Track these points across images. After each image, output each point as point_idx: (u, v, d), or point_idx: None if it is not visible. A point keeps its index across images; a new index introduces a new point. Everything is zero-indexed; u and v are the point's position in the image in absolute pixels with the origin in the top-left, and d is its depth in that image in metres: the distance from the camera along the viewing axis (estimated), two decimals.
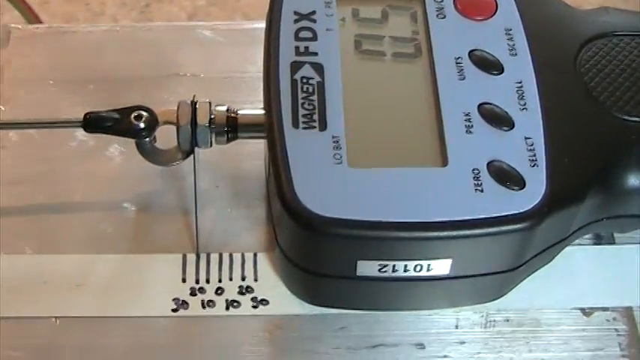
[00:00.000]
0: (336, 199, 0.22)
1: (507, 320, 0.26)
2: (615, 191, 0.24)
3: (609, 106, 0.24)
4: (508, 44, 0.25)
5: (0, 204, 0.27)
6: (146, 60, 0.30)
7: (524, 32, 0.25)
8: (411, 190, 0.23)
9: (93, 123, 0.26)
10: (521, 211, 0.22)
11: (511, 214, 0.22)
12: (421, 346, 0.26)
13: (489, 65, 0.25)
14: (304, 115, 0.24)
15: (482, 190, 0.23)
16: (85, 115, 0.26)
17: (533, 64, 0.25)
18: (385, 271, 0.23)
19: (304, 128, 0.23)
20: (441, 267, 0.23)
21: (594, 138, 0.24)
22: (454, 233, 0.22)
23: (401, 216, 0.22)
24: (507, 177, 0.23)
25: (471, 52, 0.25)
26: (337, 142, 0.23)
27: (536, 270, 0.26)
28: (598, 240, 0.27)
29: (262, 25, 0.29)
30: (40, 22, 0.39)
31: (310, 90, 0.24)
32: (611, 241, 0.27)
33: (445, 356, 0.25)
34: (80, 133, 0.29)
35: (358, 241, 0.22)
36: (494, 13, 0.26)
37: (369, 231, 0.22)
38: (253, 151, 0.29)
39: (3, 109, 0.29)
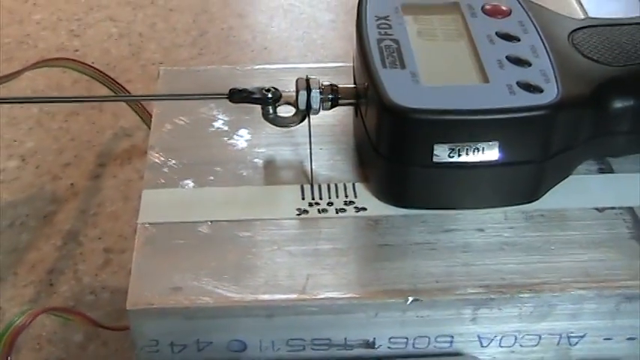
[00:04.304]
0: (419, 98, 0.33)
1: (542, 215, 0.35)
2: (600, 109, 0.35)
3: (589, 56, 0.36)
4: (521, 28, 0.37)
5: (168, 162, 0.38)
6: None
7: (532, 23, 0.37)
8: (467, 94, 0.33)
9: (236, 94, 0.37)
10: (543, 103, 0.33)
11: (536, 104, 0.33)
12: (481, 230, 0.35)
13: (510, 37, 0.36)
14: (390, 62, 0.35)
15: (515, 94, 0.33)
16: (231, 89, 0.37)
17: (540, 38, 0.37)
18: (452, 156, 0.33)
19: (391, 68, 0.35)
20: (491, 151, 0.33)
21: (582, 71, 0.35)
22: (499, 116, 0.33)
23: (462, 105, 0.33)
24: (531, 87, 0.34)
25: (496, 32, 0.37)
26: (414, 73, 0.34)
27: (559, 181, 0.36)
28: (602, 171, 0.37)
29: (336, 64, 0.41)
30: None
31: (391, 51, 0.36)
32: (611, 171, 0.37)
33: (500, 235, 0.34)
34: (216, 123, 0.40)
35: (434, 123, 0.33)
36: (510, 14, 0.38)
37: (441, 115, 0.33)
38: (344, 129, 0.39)
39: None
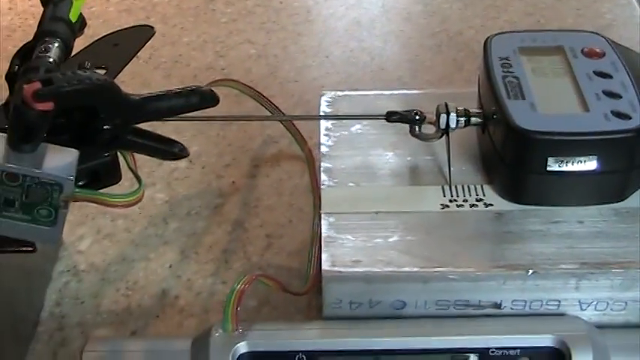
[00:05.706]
0: (537, 123, 0.44)
1: (628, 212, 0.46)
2: None
3: None
4: (613, 67, 0.48)
5: (338, 167, 0.50)
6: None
7: (622, 63, 0.48)
8: (573, 120, 0.45)
9: (392, 115, 0.49)
10: (631, 127, 0.44)
11: (626, 129, 0.44)
12: (581, 222, 0.46)
13: (605, 75, 0.48)
14: (512, 94, 0.46)
15: (609, 120, 0.44)
16: (388, 112, 0.49)
17: (628, 76, 0.47)
18: (561, 166, 0.44)
19: (514, 99, 0.46)
20: (590, 163, 0.44)
21: None
22: (599, 137, 0.44)
23: (569, 129, 0.44)
24: (622, 115, 0.45)
25: (594, 70, 0.48)
26: (532, 104, 0.46)
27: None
28: None
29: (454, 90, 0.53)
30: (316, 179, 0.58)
31: (514, 85, 0.47)
32: None
33: (596, 226, 0.45)
34: (371, 137, 0.52)
35: (549, 142, 0.44)
36: (604, 56, 0.49)
37: (554, 136, 0.44)
38: (470, 143, 0.51)
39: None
